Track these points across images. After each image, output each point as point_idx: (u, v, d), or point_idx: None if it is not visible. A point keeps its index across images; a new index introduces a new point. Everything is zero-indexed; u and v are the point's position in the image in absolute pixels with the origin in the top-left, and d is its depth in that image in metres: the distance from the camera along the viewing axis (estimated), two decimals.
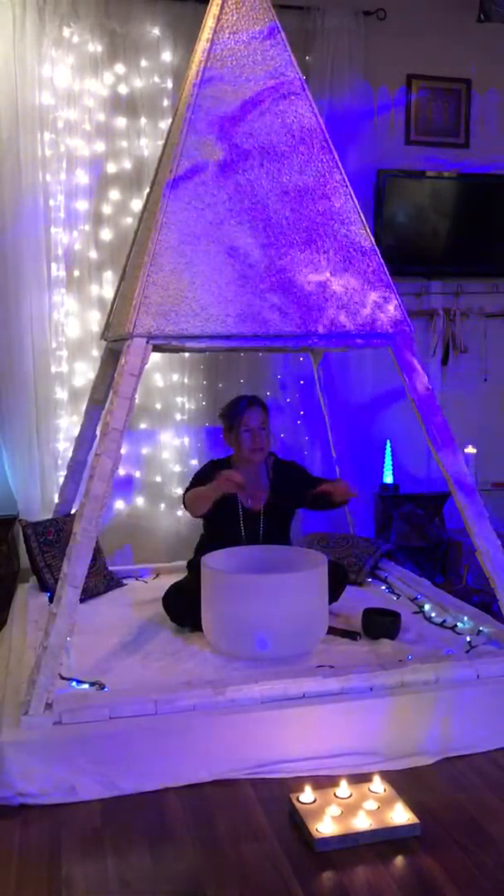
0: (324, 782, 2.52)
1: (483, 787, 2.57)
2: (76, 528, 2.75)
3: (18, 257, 4.30)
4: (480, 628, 3.29)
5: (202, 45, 3.14)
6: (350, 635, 3.28)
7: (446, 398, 5.02)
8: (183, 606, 3.35)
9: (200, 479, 3.59)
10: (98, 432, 3.15)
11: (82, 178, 4.40)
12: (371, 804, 2.36)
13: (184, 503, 3.56)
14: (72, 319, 4.47)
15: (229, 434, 3.60)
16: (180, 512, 4.61)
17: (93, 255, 4.47)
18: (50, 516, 4.18)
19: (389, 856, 2.22)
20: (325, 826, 2.27)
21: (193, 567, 3.54)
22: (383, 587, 4.01)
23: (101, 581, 3.97)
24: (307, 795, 2.40)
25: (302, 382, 4.84)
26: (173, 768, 2.57)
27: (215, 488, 3.34)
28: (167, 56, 4.46)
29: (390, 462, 4.95)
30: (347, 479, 4.35)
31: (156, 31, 4.44)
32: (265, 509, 3.59)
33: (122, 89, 4.45)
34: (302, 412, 4.87)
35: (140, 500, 4.69)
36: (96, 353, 4.43)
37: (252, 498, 3.60)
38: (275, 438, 3.79)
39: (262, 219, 3.05)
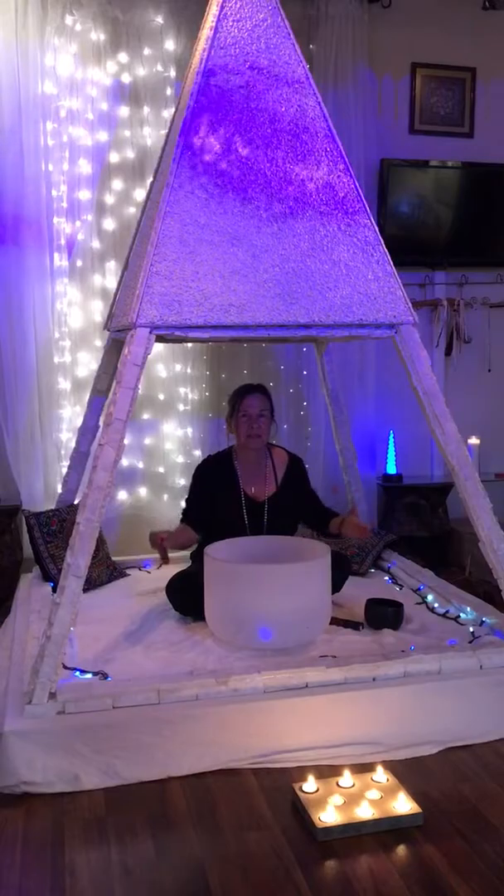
0: (326, 772, 2.53)
1: (485, 777, 2.57)
2: (79, 519, 2.75)
3: (21, 247, 4.29)
4: (483, 619, 3.29)
5: (205, 33, 3.12)
6: (353, 625, 3.28)
7: (450, 388, 5.02)
8: (186, 596, 3.35)
9: (196, 483, 3.65)
10: (101, 422, 3.15)
11: (85, 167, 4.39)
12: (374, 794, 2.37)
13: None
14: (75, 309, 4.47)
15: (230, 420, 3.61)
16: (183, 502, 4.61)
17: (96, 244, 4.46)
18: (53, 506, 4.18)
19: (392, 845, 2.22)
20: (328, 815, 2.27)
21: (197, 557, 3.54)
22: (386, 577, 4.01)
23: (104, 571, 3.97)
24: (310, 785, 2.41)
25: (305, 373, 4.83)
26: (176, 757, 2.57)
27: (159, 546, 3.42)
28: (170, 44, 4.44)
29: (393, 452, 4.95)
30: (350, 469, 4.37)
31: (159, 20, 4.42)
32: (269, 500, 3.59)
33: (126, 78, 4.43)
34: (305, 402, 4.87)
35: (143, 491, 4.69)
36: (99, 343, 4.43)
37: (256, 487, 3.60)
38: (277, 427, 3.78)
39: (265, 208, 3.04)
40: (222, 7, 3.10)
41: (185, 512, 3.64)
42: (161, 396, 4.66)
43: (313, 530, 3.79)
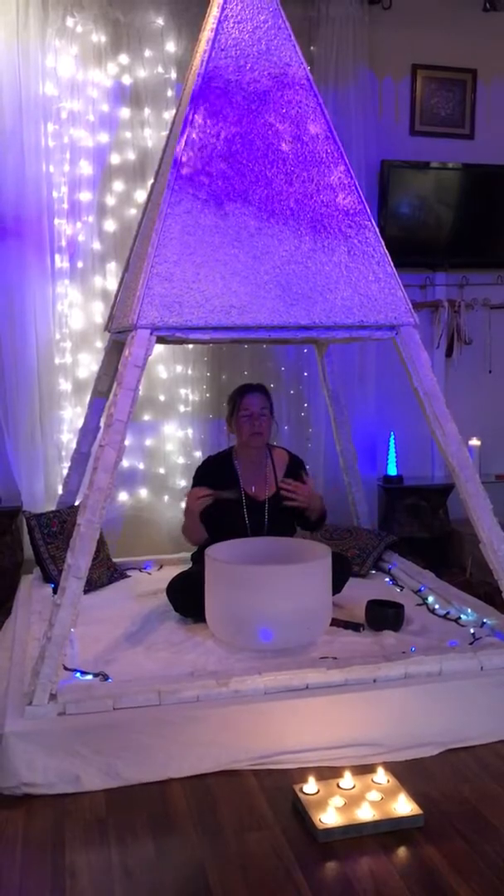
0: (327, 773, 2.53)
1: (486, 778, 2.57)
2: (80, 520, 2.75)
3: (22, 249, 4.30)
4: (484, 620, 3.29)
5: (206, 34, 3.12)
6: (353, 627, 3.28)
7: (450, 390, 5.02)
8: (187, 597, 3.34)
9: (198, 483, 3.59)
10: (102, 424, 3.15)
11: (86, 168, 4.40)
12: (374, 795, 2.37)
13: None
14: (75, 311, 4.47)
15: (231, 419, 3.60)
16: (183, 503, 4.62)
17: (96, 246, 4.46)
18: (54, 508, 4.19)
19: (392, 846, 2.22)
20: (329, 817, 2.27)
21: (197, 558, 3.54)
22: (387, 579, 4.01)
23: (104, 572, 3.97)
24: (311, 786, 2.41)
25: (306, 374, 4.83)
26: (177, 759, 2.57)
27: (190, 513, 3.40)
28: (171, 46, 4.44)
29: (394, 454, 4.95)
30: (351, 471, 4.37)
31: (160, 21, 4.43)
32: (269, 500, 3.59)
33: (126, 80, 4.43)
34: (306, 403, 4.87)
35: (144, 492, 4.70)
36: (100, 344, 4.43)
37: (256, 486, 3.60)
38: (277, 427, 3.78)
39: (266, 209, 3.05)
40: (223, 9, 3.11)
41: None
42: (162, 398, 4.67)
43: (309, 530, 3.78)
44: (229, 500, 3.53)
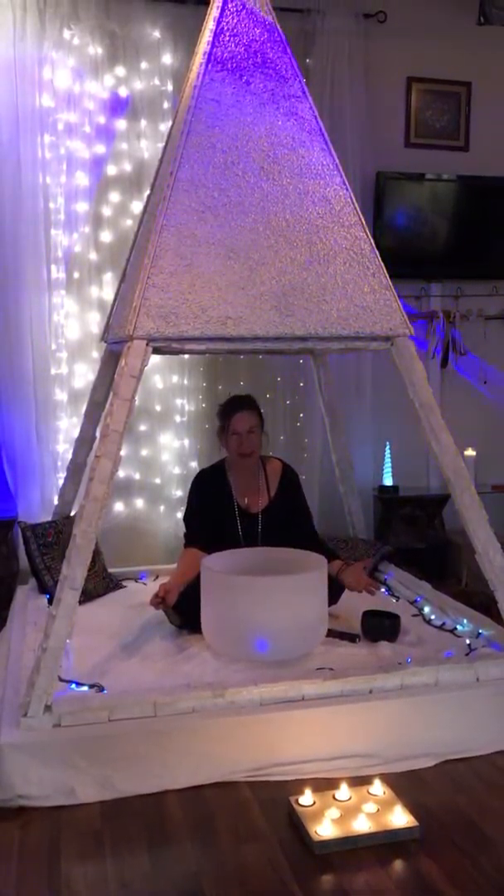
0: (323, 785, 2.52)
1: (483, 790, 2.57)
2: (76, 530, 2.75)
3: (18, 259, 4.30)
4: (480, 631, 3.29)
5: (202, 47, 3.14)
6: (349, 637, 3.28)
7: (446, 400, 5.02)
8: (182, 608, 3.33)
9: (195, 498, 3.59)
10: (98, 434, 3.15)
11: (82, 180, 4.41)
12: (370, 807, 2.36)
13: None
14: (72, 321, 4.48)
15: (221, 434, 3.60)
16: (179, 514, 4.61)
17: (93, 256, 4.47)
18: (49, 518, 4.18)
19: (389, 858, 2.22)
20: (325, 828, 2.26)
21: None
22: (383, 589, 4.01)
23: (100, 583, 3.97)
24: (306, 798, 2.40)
25: (302, 384, 4.84)
26: (172, 770, 2.56)
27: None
28: (167, 58, 4.47)
29: (390, 464, 4.95)
30: (347, 481, 4.37)
31: (156, 34, 4.45)
32: (262, 512, 3.59)
33: (123, 91, 4.45)
34: (302, 414, 4.87)
35: (139, 502, 4.69)
36: (96, 354, 4.44)
37: (249, 499, 3.60)
38: (269, 438, 3.76)
39: (262, 221, 3.06)
40: (219, 22, 3.13)
41: (189, 534, 3.57)
42: (158, 408, 4.67)
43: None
44: (222, 511, 3.53)
